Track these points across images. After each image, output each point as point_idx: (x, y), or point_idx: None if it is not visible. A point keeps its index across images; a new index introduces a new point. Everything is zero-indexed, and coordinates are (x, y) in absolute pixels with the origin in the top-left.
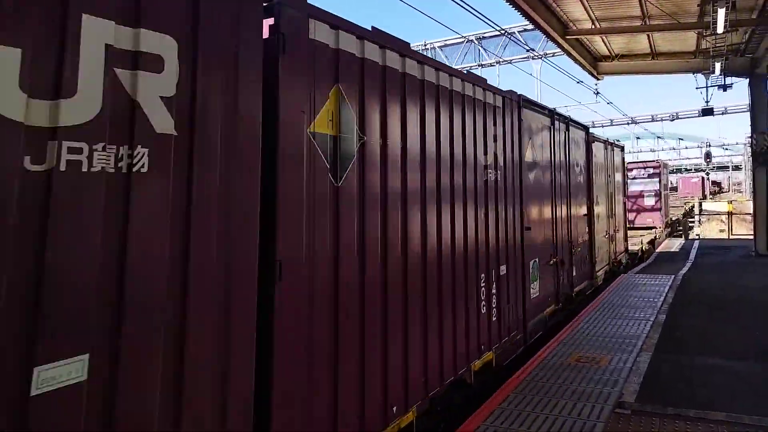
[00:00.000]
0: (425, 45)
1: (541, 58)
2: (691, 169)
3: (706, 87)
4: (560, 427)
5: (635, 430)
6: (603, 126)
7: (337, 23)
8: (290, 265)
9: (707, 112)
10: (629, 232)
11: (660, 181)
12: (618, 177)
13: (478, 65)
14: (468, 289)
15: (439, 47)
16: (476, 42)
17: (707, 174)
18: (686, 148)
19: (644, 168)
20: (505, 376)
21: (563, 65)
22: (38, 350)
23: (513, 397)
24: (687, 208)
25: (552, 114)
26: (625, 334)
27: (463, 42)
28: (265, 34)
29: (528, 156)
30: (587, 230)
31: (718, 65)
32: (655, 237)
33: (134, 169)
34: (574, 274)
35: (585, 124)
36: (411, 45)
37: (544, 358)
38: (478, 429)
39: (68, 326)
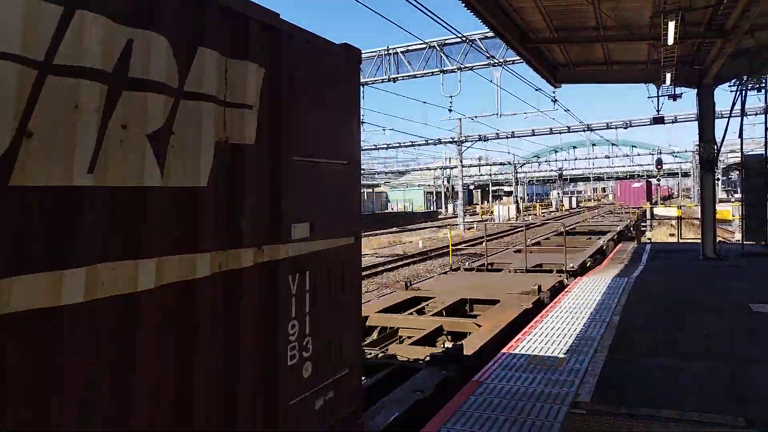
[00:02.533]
0: (387, 50)
1: (501, 65)
2: (644, 175)
3: (657, 96)
4: (519, 429)
5: (590, 430)
6: (561, 132)
7: None
8: None
9: (658, 120)
10: None
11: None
12: None
13: (440, 71)
14: None
15: (402, 52)
16: (438, 48)
17: (658, 180)
18: (638, 155)
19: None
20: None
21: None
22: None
23: (473, 399)
24: (638, 214)
25: None
26: (580, 335)
27: (425, 48)
28: None
29: None
30: None
31: (668, 75)
32: None
33: None
34: None
35: None
36: (374, 50)
37: (503, 361)
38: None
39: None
